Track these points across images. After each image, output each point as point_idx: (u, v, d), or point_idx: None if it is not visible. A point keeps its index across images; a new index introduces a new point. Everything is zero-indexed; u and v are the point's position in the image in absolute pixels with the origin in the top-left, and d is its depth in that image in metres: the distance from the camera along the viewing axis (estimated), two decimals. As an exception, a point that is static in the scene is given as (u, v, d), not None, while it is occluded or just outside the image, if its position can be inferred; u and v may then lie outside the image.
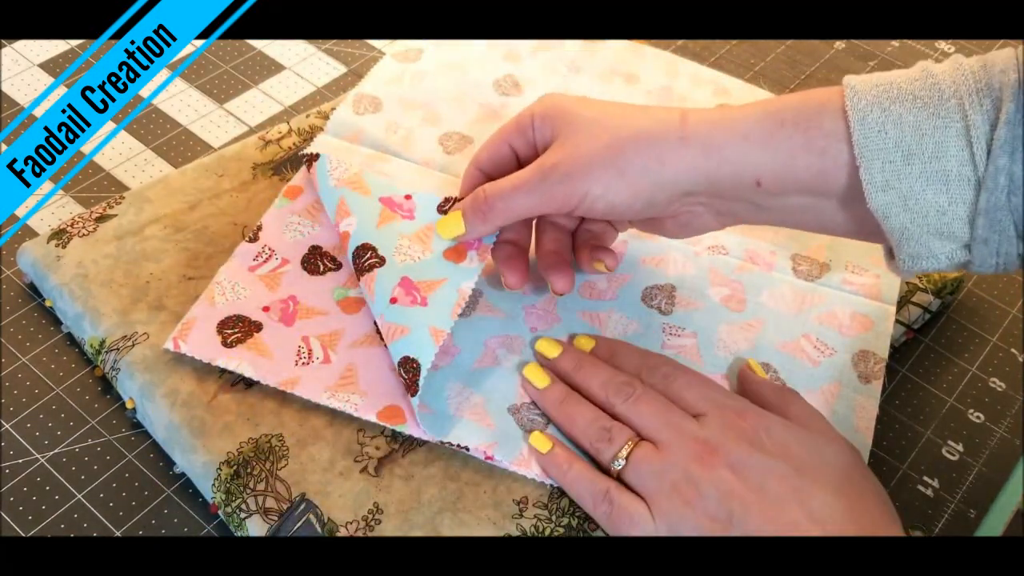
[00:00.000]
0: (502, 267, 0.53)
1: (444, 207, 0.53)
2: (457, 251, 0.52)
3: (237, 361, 0.51)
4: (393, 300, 0.50)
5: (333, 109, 0.65)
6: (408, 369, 0.48)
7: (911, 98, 0.42)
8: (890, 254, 0.47)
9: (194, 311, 0.53)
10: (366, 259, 0.52)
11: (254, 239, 0.57)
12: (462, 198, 0.53)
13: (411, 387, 0.48)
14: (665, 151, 0.47)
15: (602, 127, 0.48)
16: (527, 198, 0.49)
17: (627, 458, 0.46)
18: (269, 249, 0.56)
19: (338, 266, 0.56)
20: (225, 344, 0.51)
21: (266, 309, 0.53)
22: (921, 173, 0.42)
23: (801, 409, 0.47)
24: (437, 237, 0.52)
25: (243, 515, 0.47)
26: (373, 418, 0.49)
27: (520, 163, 0.52)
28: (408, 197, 0.54)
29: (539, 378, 0.51)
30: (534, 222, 0.55)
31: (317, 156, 0.58)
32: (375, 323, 0.52)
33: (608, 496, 0.45)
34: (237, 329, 0.52)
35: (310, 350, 0.52)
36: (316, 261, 0.56)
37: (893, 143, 0.42)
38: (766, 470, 0.43)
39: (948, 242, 0.43)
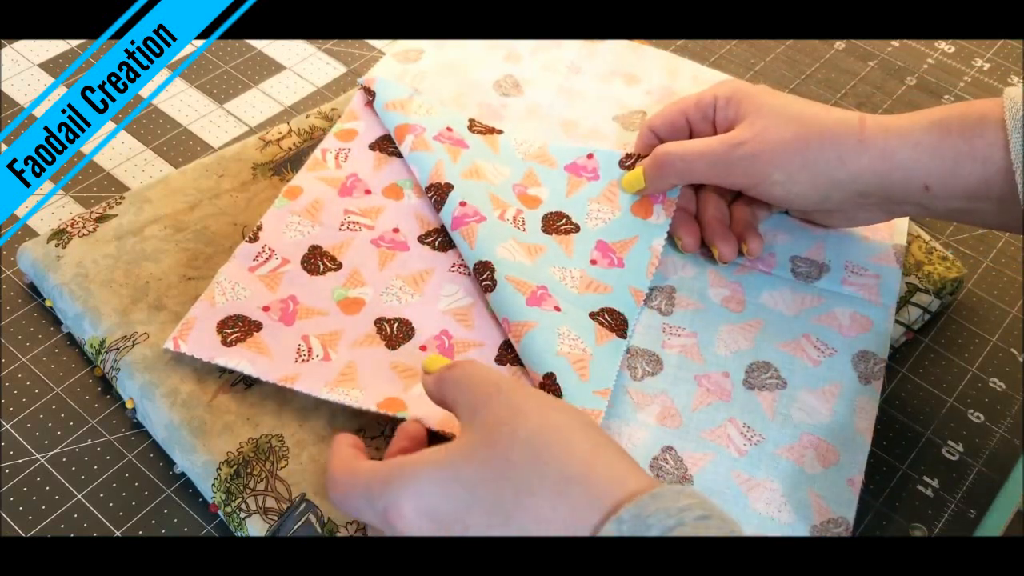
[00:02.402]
0: (679, 230, 0.57)
1: (626, 162, 0.59)
2: (644, 207, 0.57)
3: (237, 360, 0.51)
4: (592, 262, 0.56)
5: (333, 109, 0.66)
6: (613, 317, 0.53)
7: None
8: None
9: (194, 311, 0.53)
10: (561, 224, 0.57)
11: (254, 239, 0.57)
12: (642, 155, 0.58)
13: (616, 331, 0.52)
14: (845, 152, 0.50)
15: (788, 117, 0.52)
16: (710, 167, 0.53)
17: None
18: (269, 249, 0.56)
19: (338, 266, 0.56)
20: (225, 343, 0.51)
21: (266, 309, 0.53)
22: None
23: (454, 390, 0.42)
24: (622, 193, 0.58)
25: (243, 515, 0.47)
26: (373, 408, 0.49)
27: (691, 136, 0.57)
28: (591, 156, 0.60)
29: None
30: (696, 190, 0.59)
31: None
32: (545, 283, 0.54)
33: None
34: (237, 329, 0.52)
35: (310, 348, 0.52)
36: (316, 261, 0.56)
37: None
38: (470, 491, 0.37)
39: None
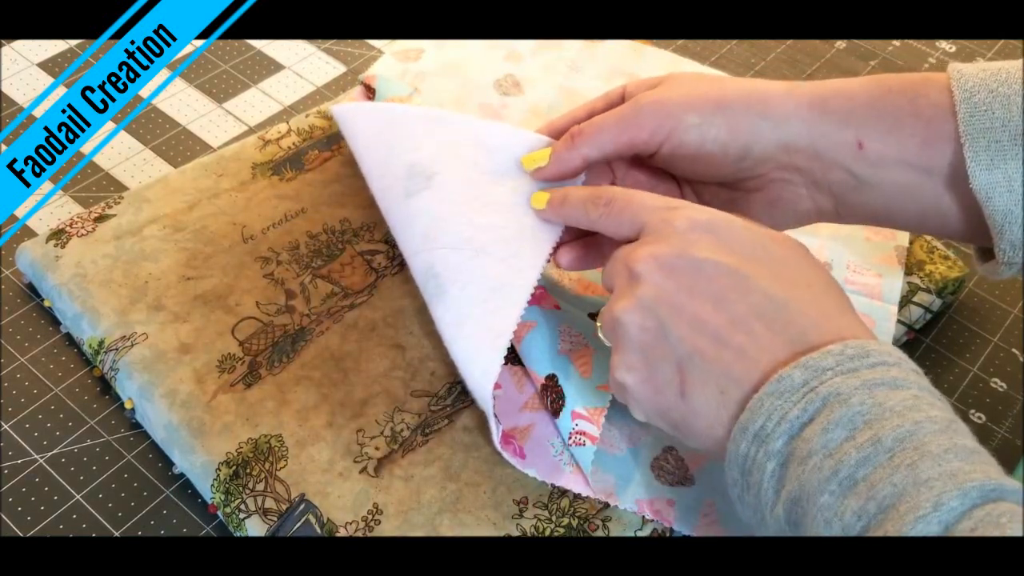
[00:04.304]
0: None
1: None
2: None
3: None
4: None
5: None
6: None
7: (1020, 82, 0.42)
8: (982, 256, 0.46)
9: None
10: None
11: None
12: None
13: None
14: (770, 99, 0.46)
15: (707, 79, 0.48)
16: (617, 125, 0.47)
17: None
18: None
19: None
20: None
21: None
22: None
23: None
24: None
25: (242, 515, 0.47)
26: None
27: None
28: None
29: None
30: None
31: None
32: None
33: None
34: None
35: None
36: None
37: (1001, 123, 0.42)
38: (699, 268, 0.40)
39: None
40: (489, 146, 0.50)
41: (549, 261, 0.48)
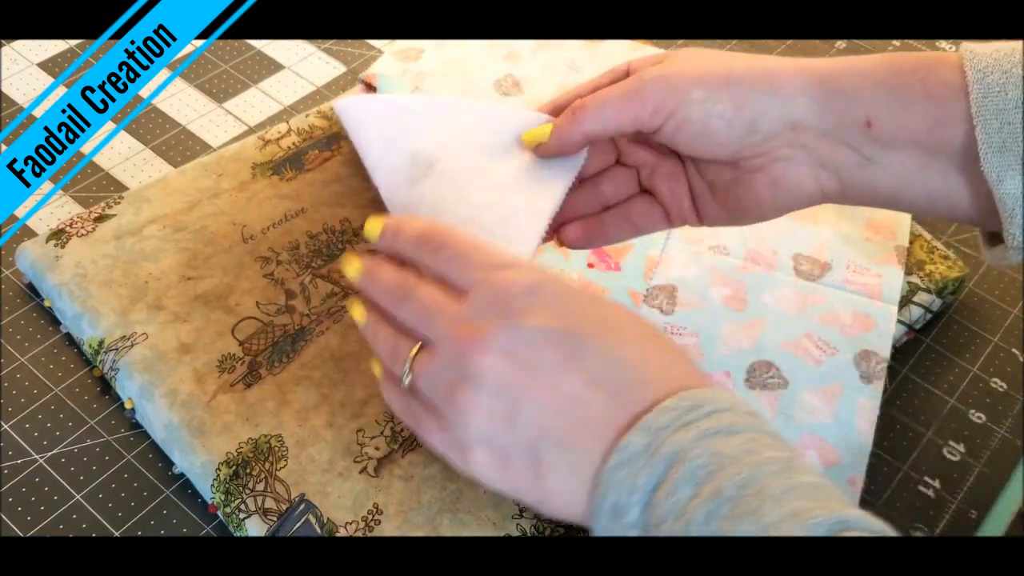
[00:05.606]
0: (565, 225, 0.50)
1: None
2: None
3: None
4: (590, 265, 0.57)
5: (332, 108, 0.65)
6: None
7: None
8: (989, 240, 0.45)
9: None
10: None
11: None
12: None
13: None
14: (778, 75, 0.45)
15: (714, 54, 0.47)
16: (621, 99, 0.45)
17: (411, 370, 0.40)
18: None
19: None
20: None
21: None
22: None
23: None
24: None
25: (242, 515, 0.47)
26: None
27: None
28: None
29: (356, 312, 0.44)
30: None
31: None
32: None
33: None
34: None
35: None
36: None
37: (1014, 104, 0.41)
38: (533, 341, 0.38)
39: None
40: (489, 126, 0.50)
41: (551, 240, 0.48)
